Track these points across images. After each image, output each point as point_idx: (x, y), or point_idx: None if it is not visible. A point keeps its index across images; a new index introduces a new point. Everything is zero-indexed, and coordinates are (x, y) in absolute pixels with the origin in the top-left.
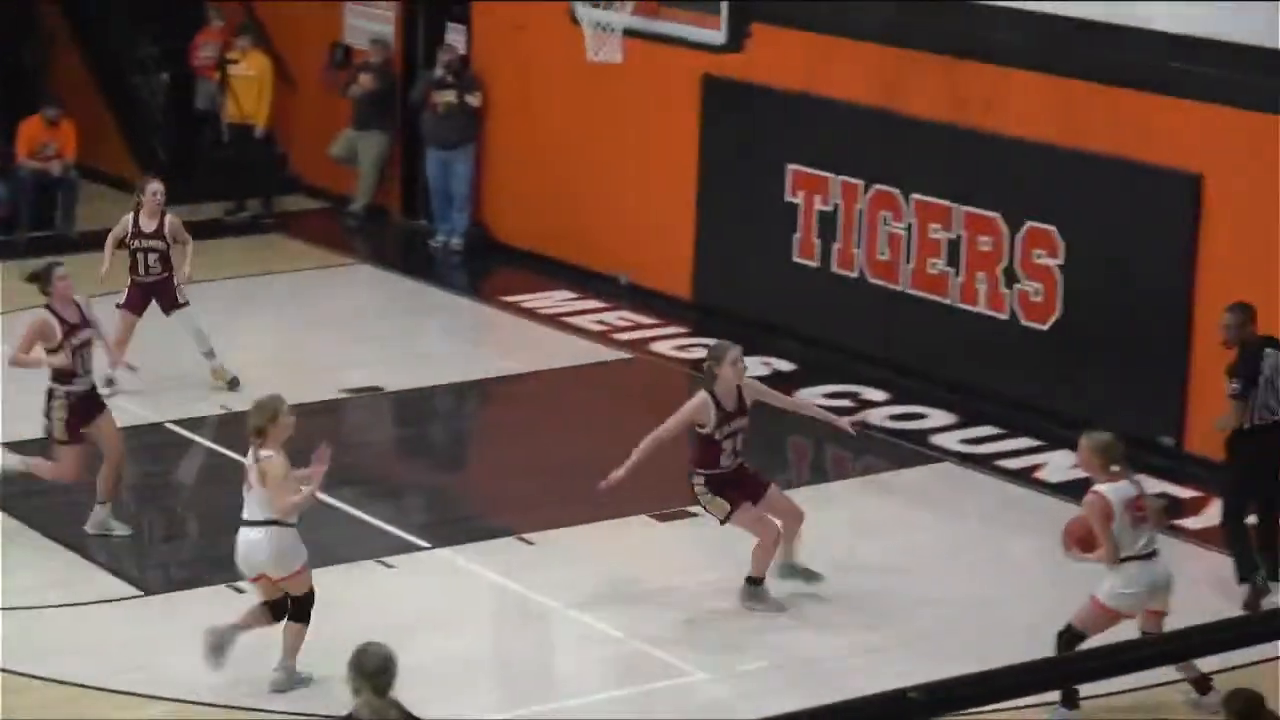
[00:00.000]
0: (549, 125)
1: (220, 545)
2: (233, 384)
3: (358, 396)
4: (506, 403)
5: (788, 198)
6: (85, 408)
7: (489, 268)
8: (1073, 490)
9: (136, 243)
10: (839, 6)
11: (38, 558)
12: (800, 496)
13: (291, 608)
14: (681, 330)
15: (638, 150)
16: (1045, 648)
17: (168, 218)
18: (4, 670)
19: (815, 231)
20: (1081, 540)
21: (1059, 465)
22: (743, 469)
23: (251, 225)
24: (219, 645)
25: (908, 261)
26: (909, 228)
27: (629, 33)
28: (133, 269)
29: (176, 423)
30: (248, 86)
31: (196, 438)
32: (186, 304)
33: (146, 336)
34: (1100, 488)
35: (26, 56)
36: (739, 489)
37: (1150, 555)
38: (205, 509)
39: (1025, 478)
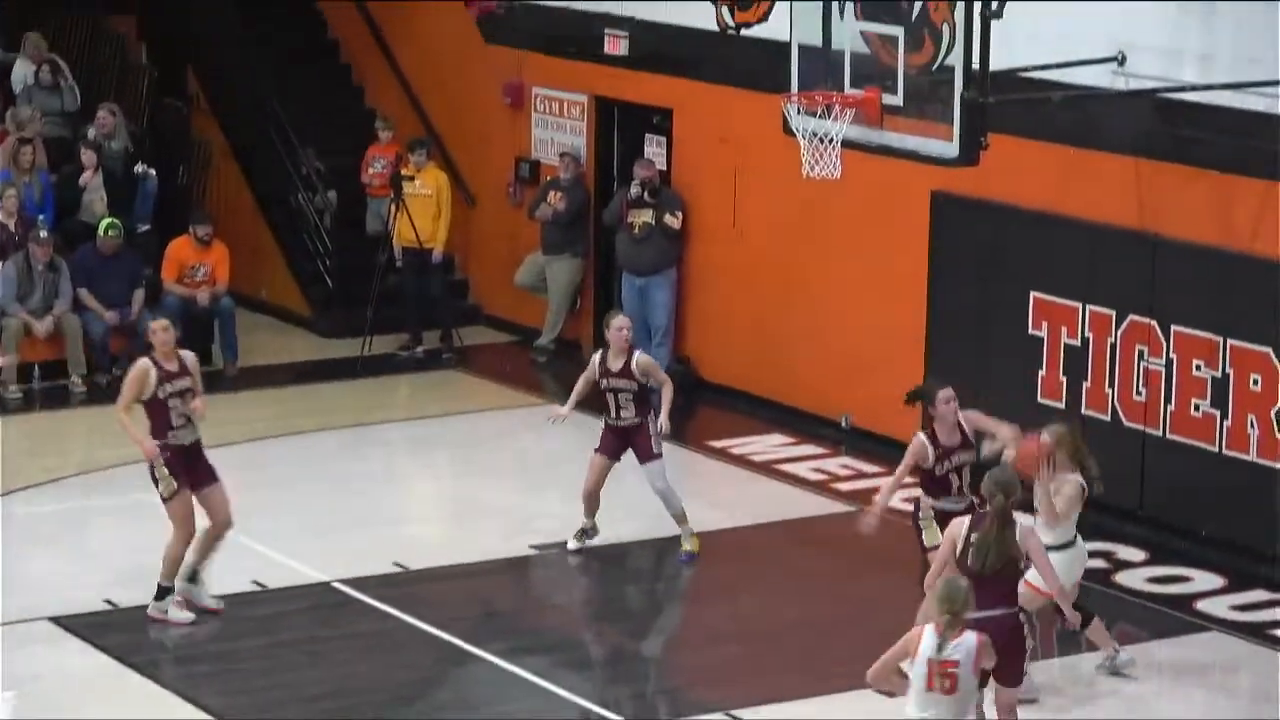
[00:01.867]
0: (759, 248)
1: None
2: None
3: (546, 552)
4: (713, 560)
5: (1030, 330)
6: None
7: (693, 408)
8: None
9: (606, 383)
10: (1088, 114)
11: None
12: (1050, 671)
13: None
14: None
15: (859, 277)
16: None
17: (637, 355)
18: None
19: (1061, 368)
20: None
21: None
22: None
23: (428, 361)
24: None
25: (1167, 403)
26: (1168, 364)
27: (849, 144)
28: (604, 412)
29: (345, 581)
30: (424, 206)
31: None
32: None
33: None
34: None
35: (182, 176)
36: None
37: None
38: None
39: None
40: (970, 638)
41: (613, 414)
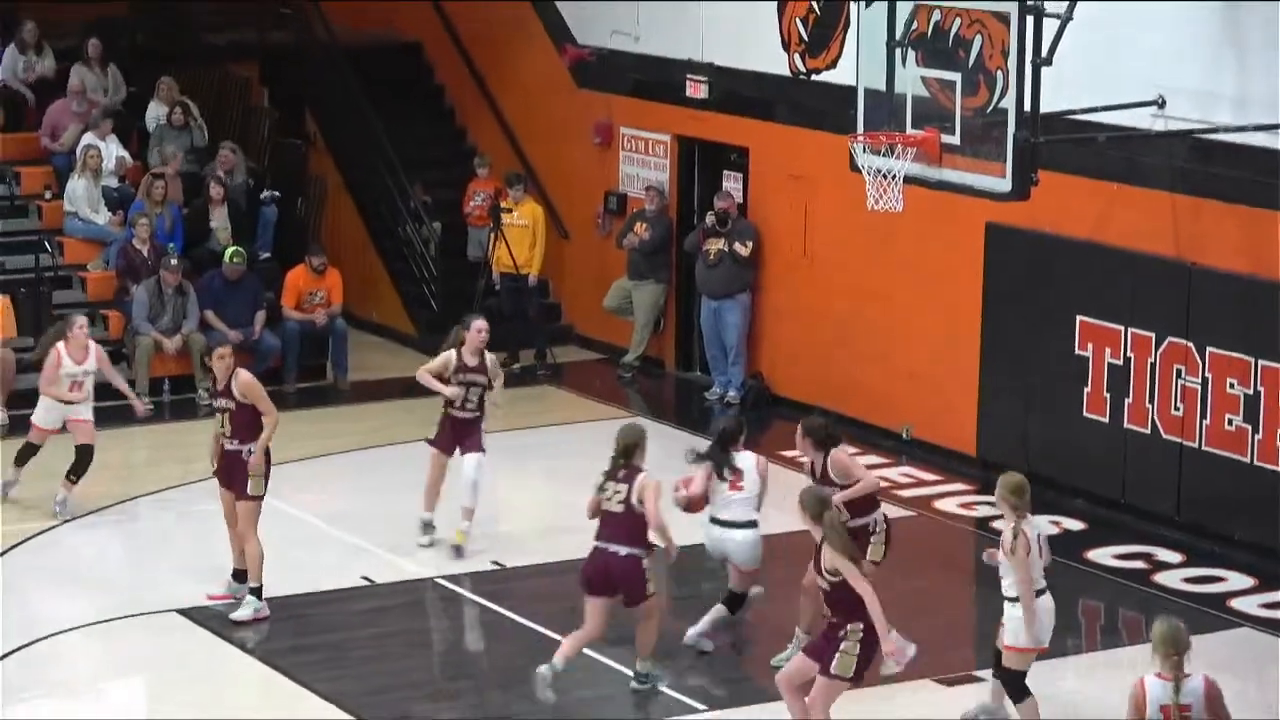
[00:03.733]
0: (827, 274)
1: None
2: (457, 551)
3: None
4: (785, 560)
5: (1077, 350)
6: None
7: (766, 421)
8: None
9: (460, 376)
10: (1129, 152)
11: None
12: (1093, 662)
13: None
14: (966, 488)
15: (919, 300)
16: None
17: (488, 357)
18: None
19: (1106, 385)
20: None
21: None
22: None
23: (524, 376)
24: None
25: (1203, 417)
26: (1204, 382)
27: (910, 180)
28: (449, 403)
29: (447, 578)
30: (521, 236)
31: (464, 592)
32: (483, 451)
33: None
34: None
35: (301, 208)
36: None
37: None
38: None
39: None
40: (1198, 681)
41: (458, 405)
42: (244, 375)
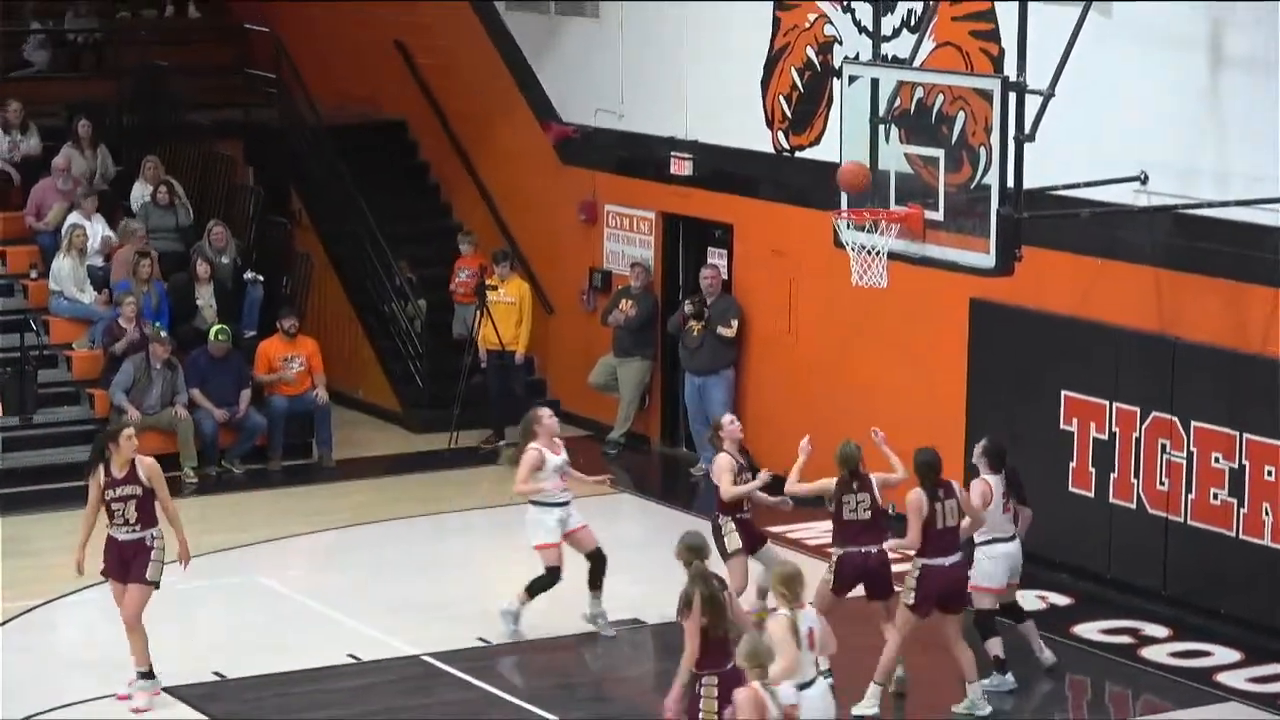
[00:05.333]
0: (811, 350)
1: None
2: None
3: (620, 629)
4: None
5: (1062, 425)
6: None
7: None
8: None
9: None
10: (1113, 228)
11: None
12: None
13: None
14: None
15: (903, 376)
16: None
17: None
18: None
19: (1091, 460)
20: None
21: None
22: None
23: (510, 454)
24: None
25: (1188, 492)
26: (1189, 456)
27: (894, 256)
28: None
29: (433, 655)
30: (507, 313)
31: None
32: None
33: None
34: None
35: (286, 285)
36: None
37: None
38: None
39: None
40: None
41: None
42: (148, 460)
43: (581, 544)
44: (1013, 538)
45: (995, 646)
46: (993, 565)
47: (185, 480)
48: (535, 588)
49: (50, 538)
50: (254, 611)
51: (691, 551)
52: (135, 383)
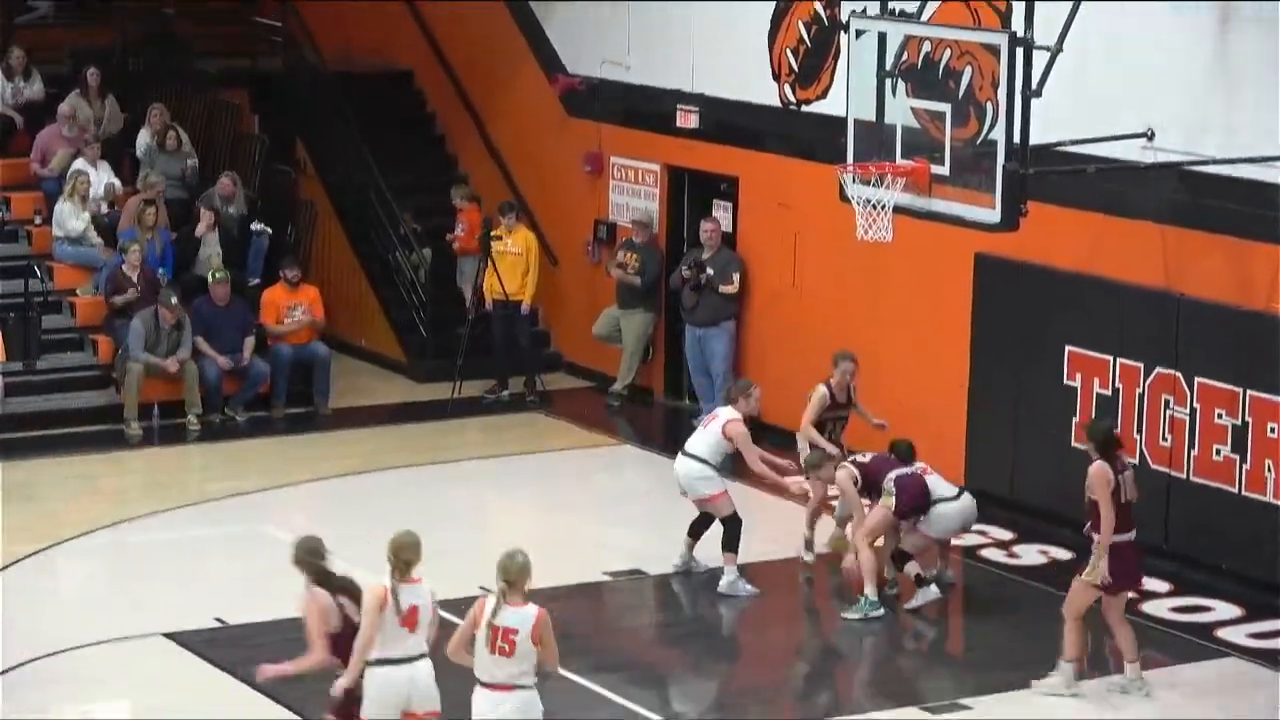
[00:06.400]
0: (815, 304)
1: None
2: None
3: (620, 580)
4: (772, 587)
5: (1065, 380)
6: None
7: None
8: None
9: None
10: (1119, 184)
11: None
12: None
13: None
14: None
15: (907, 331)
16: None
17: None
18: None
19: (1094, 415)
20: None
21: None
22: None
23: (513, 404)
24: None
25: (1191, 448)
26: (1192, 413)
27: (899, 210)
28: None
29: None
30: (514, 264)
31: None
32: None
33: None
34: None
35: (290, 234)
36: None
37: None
38: None
39: None
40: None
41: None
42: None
43: (720, 508)
44: (957, 496)
45: (914, 568)
46: (943, 521)
47: (189, 427)
48: (730, 541)
49: (52, 483)
50: (256, 558)
51: (306, 551)
52: (144, 339)
